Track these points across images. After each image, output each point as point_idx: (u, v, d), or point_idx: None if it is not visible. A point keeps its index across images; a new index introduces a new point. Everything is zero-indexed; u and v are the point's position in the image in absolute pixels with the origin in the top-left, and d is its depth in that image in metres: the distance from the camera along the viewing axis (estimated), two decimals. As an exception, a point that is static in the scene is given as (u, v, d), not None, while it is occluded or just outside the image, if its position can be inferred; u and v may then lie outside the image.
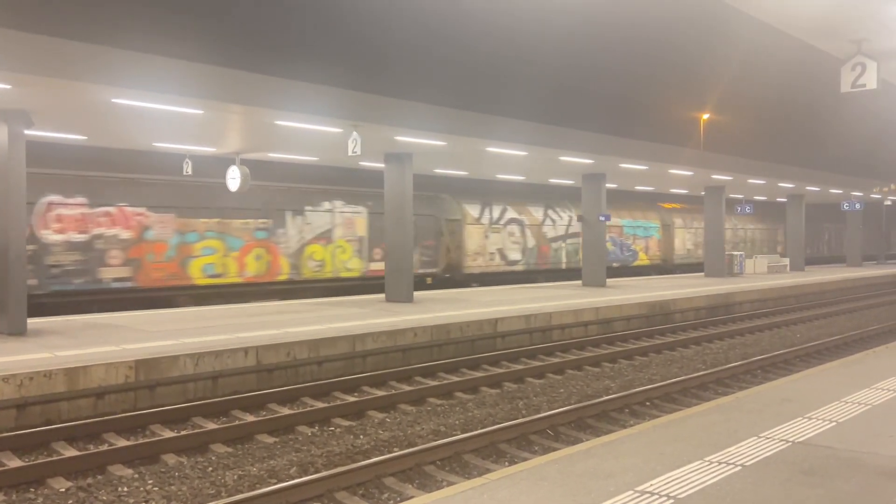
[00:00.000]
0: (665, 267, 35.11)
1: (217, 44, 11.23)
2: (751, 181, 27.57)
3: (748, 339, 16.47)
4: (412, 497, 6.37)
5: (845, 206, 36.57)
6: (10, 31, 9.14)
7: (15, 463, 7.49)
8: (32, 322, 13.18)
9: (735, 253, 31.55)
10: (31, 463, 7.32)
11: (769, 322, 18.97)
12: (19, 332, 12.18)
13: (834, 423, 6.74)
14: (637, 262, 33.91)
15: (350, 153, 14.01)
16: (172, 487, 6.90)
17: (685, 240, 36.43)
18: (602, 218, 23.67)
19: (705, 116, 22.07)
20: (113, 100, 10.92)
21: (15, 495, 6.70)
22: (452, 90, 14.60)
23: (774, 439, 6.24)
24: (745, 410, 7.32)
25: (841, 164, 29.77)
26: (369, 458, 7.60)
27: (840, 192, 34.33)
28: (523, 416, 9.35)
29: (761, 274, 32.13)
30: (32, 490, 6.85)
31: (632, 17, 13.89)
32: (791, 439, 6.23)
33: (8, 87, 10.13)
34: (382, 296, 18.81)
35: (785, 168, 27.29)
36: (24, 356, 9.98)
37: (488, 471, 7.08)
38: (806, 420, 6.88)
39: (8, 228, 12.19)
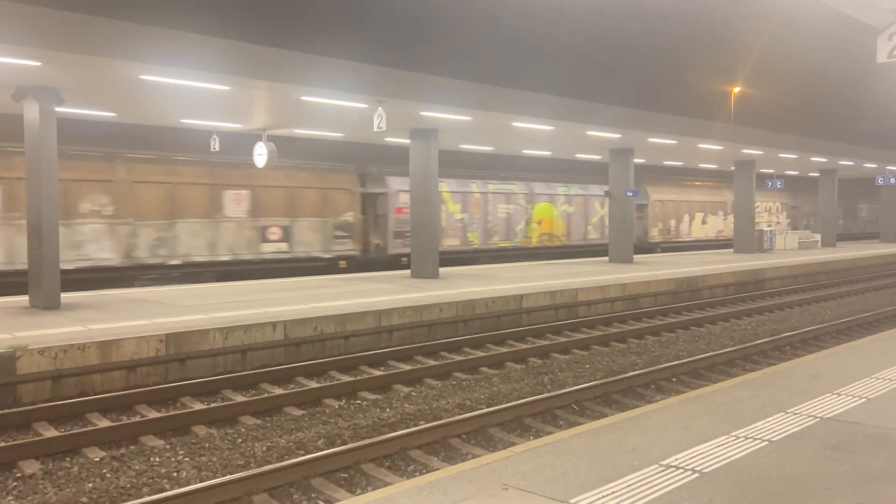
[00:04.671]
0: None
1: (243, 19, 11.25)
2: (782, 155, 27.08)
3: (777, 316, 16.28)
4: (437, 469, 6.43)
5: (880, 181, 35.79)
6: (39, 8, 9.23)
7: (51, 433, 7.68)
8: (65, 296, 13.45)
9: (765, 229, 31.13)
10: (67, 433, 7.50)
11: (799, 298, 18.72)
12: (53, 306, 12.43)
13: (864, 400, 6.66)
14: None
15: (375, 129, 14.00)
16: (203, 458, 7.04)
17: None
18: (630, 193, 23.44)
19: (736, 89, 21.70)
20: (141, 76, 11.00)
21: (52, 464, 6.88)
22: (478, 65, 14.49)
23: (802, 415, 6.18)
24: (773, 386, 7.26)
25: (876, 138, 29.11)
26: (395, 430, 7.68)
27: (875, 166, 33.59)
28: (548, 391, 9.36)
29: (791, 250, 31.68)
30: (68, 459, 7.03)
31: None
32: (819, 415, 6.17)
33: (37, 64, 10.24)
34: (408, 272, 18.88)
35: (818, 142, 26.75)
36: (59, 329, 10.20)
37: (513, 444, 7.13)
38: (835, 396, 6.80)
39: (40, 204, 12.40)
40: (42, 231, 12.39)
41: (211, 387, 9.48)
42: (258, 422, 8.21)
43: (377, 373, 10.41)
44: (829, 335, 13.78)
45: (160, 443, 7.46)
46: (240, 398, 9.11)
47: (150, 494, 6.04)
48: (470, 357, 11.25)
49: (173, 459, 7.00)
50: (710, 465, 5.00)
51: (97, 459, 6.96)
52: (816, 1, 11.16)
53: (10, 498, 6.10)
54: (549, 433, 7.65)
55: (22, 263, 14.78)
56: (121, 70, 10.74)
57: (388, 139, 18.96)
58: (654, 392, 9.66)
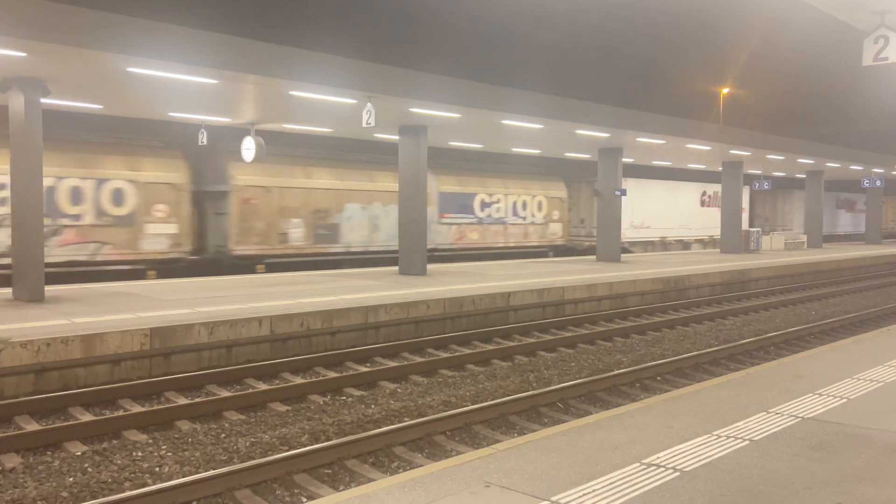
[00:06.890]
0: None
1: (232, 13, 11.19)
2: (770, 157, 27.24)
3: (762, 316, 16.38)
4: (421, 466, 6.43)
5: (865, 183, 36.08)
6: (25, -1, 9.15)
7: (33, 426, 7.63)
8: (49, 289, 13.35)
9: (752, 229, 31.32)
10: (49, 427, 7.44)
11: (784, 299, 18.85)
12: (37, 298, 12.34)
13: (845, 400, 6.71)
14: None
15: (364, 125, 13.97)
16: (186, 453, 7.01)
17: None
18: (618, 192, 23.50)
19: (725, 90, 21.80)
20: (128, 69, 10.92)
21: (33, 458, 6.83)
22: (468, 61, 14.48)
23: (784, 415, 6.23)
24: (756, 386, 7.30)
25: (863, 140, 29.33)
26: (380, 427, 7.67)
27: (861, 168, 33.85)
28: (534, 389, 9.38)
29: (778, 251, 31.88)
30: (50, 453, 6.99)
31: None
32: (801, 415, 6.22)
33: (23, 54, 10.15)
34: (395, 268, 18.86)
35: (805, 143, 26.92)
36: (42, 322, 10.13)
37: (497, 441, 7.14)
38: (817, 396, 6.86)
39: (25, 197, 12.29)
40: (27, 224, 12.29)
41: (195, 382, 9.44)
42: (242, 417, 8.18)
43: (363, 369, 10.40)
44: (813, 336, 13.88)
45: (143, 437, 7.43)
46: (224, 393, 9.08)
47: (131, 489, 6.01)
48: (456, 354, 11.26)
49: (156, 454, 6.96)
50: (692, 464, 5.02)
51: (79, 453, 6.92)
52: (804, 4, 11.22)
53: (-11, 492, 6.06)
54: (534, 431, 7.67)
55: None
56: (107, 62, 10.65)
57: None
58: (638, 391, 9.70)
